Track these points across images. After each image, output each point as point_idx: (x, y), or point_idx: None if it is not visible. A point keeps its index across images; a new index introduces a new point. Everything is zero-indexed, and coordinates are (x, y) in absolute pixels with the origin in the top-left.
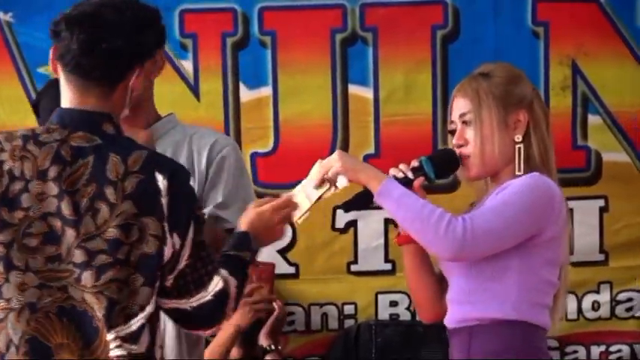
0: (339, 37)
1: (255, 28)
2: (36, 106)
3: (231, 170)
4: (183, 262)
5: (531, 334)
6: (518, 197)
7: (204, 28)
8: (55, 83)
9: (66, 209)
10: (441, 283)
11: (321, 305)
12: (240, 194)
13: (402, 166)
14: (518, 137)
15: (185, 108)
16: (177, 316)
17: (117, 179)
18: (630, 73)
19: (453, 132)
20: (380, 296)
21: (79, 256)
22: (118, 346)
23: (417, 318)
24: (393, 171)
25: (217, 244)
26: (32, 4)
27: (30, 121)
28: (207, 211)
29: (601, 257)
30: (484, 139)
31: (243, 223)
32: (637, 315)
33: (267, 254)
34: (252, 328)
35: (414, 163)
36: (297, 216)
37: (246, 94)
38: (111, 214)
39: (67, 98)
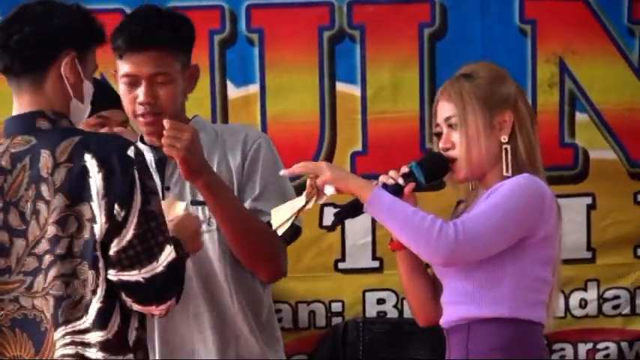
0: (326, 34)
1: (242, 25)
2: None
3: (265, 161)
4: (130, 232)
5: (528, 331)
6: (508, 200)
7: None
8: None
9: (14, 221)
10: (435, 286)
11: (309, 303)
12: (276, 184)
13: (391, 173)
14: (505, 138)
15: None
16: (128, 290)
17: (48, 175)
18: (618, 71)
19: (438, 135)
20: (367, 294)
21: (30, 263)
22: (68, 344)
23: (405, 316)
24: (383, 178)
25: (265, 237)
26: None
27: None
28: (246, 205)
29: (588, 255)
30: (470, 142)
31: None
32: (624, 313)
33: None
34: None
35: (404, 169)
36: (277, 224)
37: (233, 92)
38: (48, 212)
39: (14, 108)
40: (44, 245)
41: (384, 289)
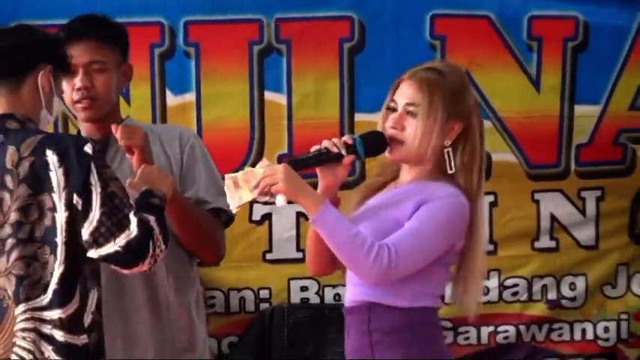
0: (256, 48)
1: (180, 39)
2: None
3: (201, 157)
4: (97, 213)
5: (428, 313)
6: (439, 221)
7: (134, 39)
8: None
9: None
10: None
11: (239, 290)
12: (211, 177)
13: (335, 141)
14: (447, 142)
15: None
16: (112, 261)
17: (12, 167)
18: (518, 82)
19: (392, 110)
20: (292, 282)
21: None
22: (28, 319)
23: (326, 302)
24: (327, 143)
25: (207, 223)
26: None
27: None
28: (187, 194)
29: (490, 247)
30: (424, 135)
31: (138, 183)
32: (522, 299)
33: None
34: None
35: (348, 141)
36: (235, 206)
37: (172, 100)
38: (11, 200)
39: None
40: (7, 230)
41: (307, 277)
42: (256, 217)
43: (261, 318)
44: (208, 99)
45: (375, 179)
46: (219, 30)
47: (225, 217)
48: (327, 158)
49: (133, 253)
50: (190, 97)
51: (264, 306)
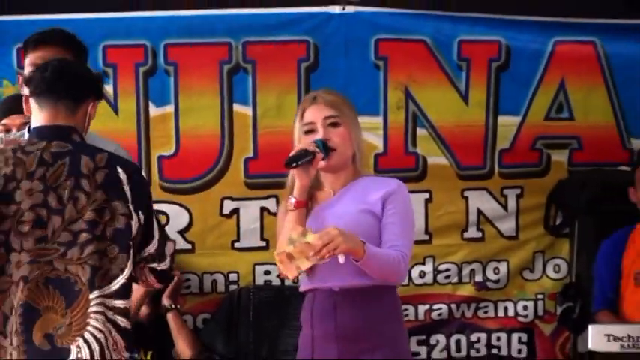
0: (225, 67)
1: (161, 59)
2: None
3: None
4: (155, 242)
5: (390, 289)
6: (409, 209)
7: (122, 59)
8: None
9: (52, 201)
10: None
11: (212, 273)
12: None
13: (308, 144)
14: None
15: (107, 121)
16: (152, 273)
17: (89, 173)
18: (449, 96)
19: (309, 132)
20: (257, 267)
21: (64, 236)
22: (99, 303)
23: (285, 284)
24: (307, 146)
25: None
26: None
27: None
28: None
29: (426, 237)
30: (351, 139)
31: None
32: (453, 281)
33: (169, 234)
34: (157, 291)
35: (313, 145)
36: (294, 275)
37: (154, 111)
38: (88, 201)
39: (41, 118)
40: (81, 225)
41: (269, 263)
42: (226, 211)
43: (230, 297)
44: (185, 110)
45: (306, 190)
46: (194, 51)
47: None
48: (308, 156)
49: (165, 276)
50: (170, 108)
51: (232, 287)
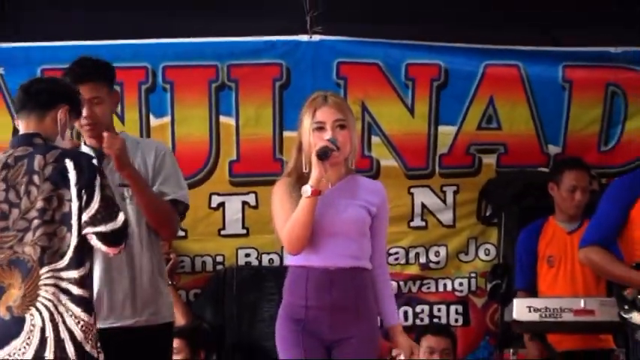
0: (213, 85)
1: (159, 79)
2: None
3: (169, 162)
4: (97, 205)
5: (369, 271)
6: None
7: (127, 78)
8: None
9: (12, 196)
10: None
11: (202, 256)
12: (174, 176)
13: (327, 142)
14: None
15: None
16: (100, 238)
17: (40, 169)
18: (398, 110)
19: (319, 129)
20: (239, 250)
21: (21, 224)
22: (50, 276)
23: (262, 264)
24: (328, 143)
25: (166, 210)
26: (16, 63)
27: None
28: (154, 188)
29: None
30: (352, 142)
31: None
32: (401, 263)
33: None
34: None
35: (331, 143)
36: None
37: (154, 121)
38: (38, 192)
39: (20, 129)
40: (33, 213)
41: (249, 247)
42: (213, 205)
43: (217, 276)
44: (179, 121)
45: (301, 176)
46: (187, 72)
47: (181, 207)
48: (331, 152)
49: (114, 239)
50: (167, 119)
51: (219, 267)
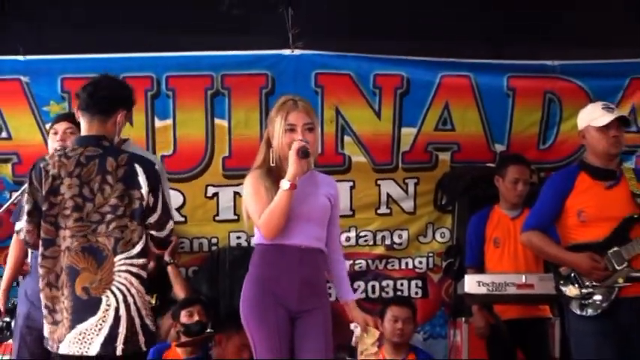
0: (209, 92)
1: (163, 86)
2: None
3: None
4: (159, 210)
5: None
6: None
7: (135, 86)
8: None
9: (86, 192)
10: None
11: (199, 238)
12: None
13: (304, 143)
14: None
15: (125, 130)
16: (154, 240)
17: (112, 170)
18: (367, 114)
19: (290, 130)
20: (231, 234)
21: (95, 217)
22: (123, 264)
23: (250, 245)
24: (305, 144)
25: None
26: (39, 73)
27: (37, 138)
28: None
29: (351, 213)
30: (317, 143)
31: None
32: (369, 244)
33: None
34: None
35: (303, 142)
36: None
37: (158, 123)
38: (112, 191)
39: (82, 129)
40: (107, 209)
41: (240, 231)
42: (209, 194)
43: (212, 255)
44: (180, 123)
45: (270, 169)
46: (187, 81)
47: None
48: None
49: (164, 243)
50: (169, 121)
51: (214, 248)
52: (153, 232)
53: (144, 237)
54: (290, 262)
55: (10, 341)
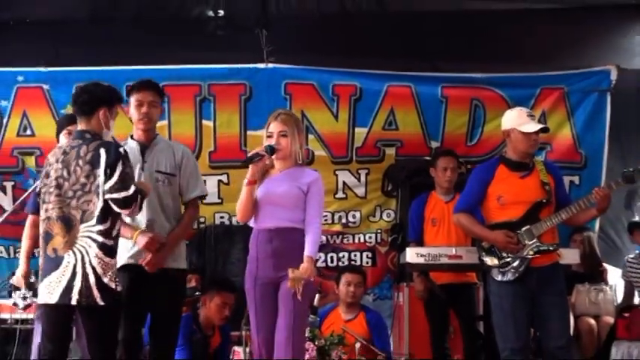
0: (197, 98)
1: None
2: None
3: (192, 163)
4: (115, 178)
5: (300, 230)
6: (321, 195)
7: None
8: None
9: (65, 174)
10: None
11: None
12: (195, 174)
13: (261, 148)
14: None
15: (128, 130)
16: (114, 202)
17: (84, 155)
18: (327, 116)
19: (269, 136)
20: (216, 214)
21: (69, 193)
22: (86, 231)
23: (233, 223)
24: (260, 150)
25: (190, 224)
26: (58, 80)
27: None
28: (184, 184)
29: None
30: (292, 145)
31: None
32: (329, 222)
33: None
34: None
35: (263, 149)
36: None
37: (158, 124)
38: (81, 172)
39: (78, 125)
40: (77, 187)
41: (223, 212)
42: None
43: (199, 232)
44: (174, 123)
45: (255, 175)
46: (179, 89)
47: (203, 197)
48: (257, 157)
49: (124, 203)
50: (165, 122)
51: (202, 226)
52: (113, 195)
53: (101, 208)
54: (264, 241)
55: (36, 300)
